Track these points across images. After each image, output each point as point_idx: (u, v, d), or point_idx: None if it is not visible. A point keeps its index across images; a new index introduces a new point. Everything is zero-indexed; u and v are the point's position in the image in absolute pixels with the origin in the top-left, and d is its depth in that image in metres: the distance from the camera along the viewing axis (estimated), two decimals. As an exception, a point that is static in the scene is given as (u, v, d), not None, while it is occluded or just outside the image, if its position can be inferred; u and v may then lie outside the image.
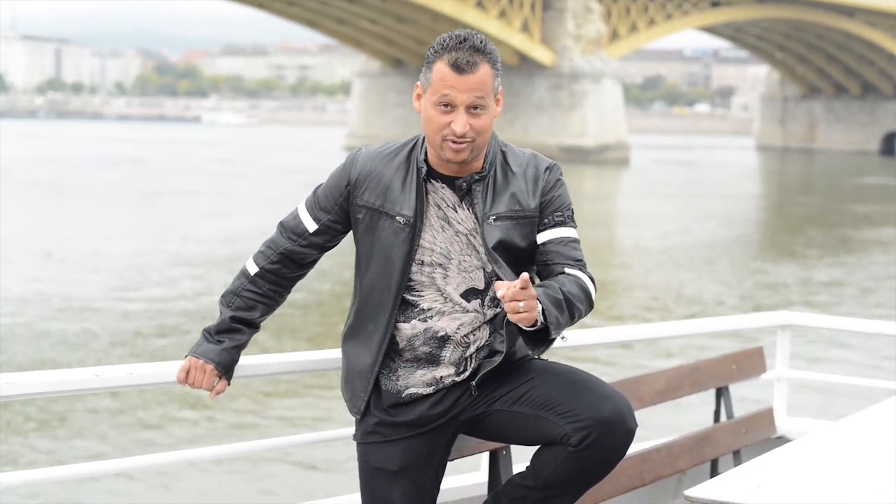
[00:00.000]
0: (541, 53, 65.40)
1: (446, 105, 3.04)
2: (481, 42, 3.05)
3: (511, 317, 2.87)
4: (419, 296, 3.15)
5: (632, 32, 72.09)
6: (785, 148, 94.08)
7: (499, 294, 2.86)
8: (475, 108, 3.04)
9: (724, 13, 76.70)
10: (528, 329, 2.95)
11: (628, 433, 3.04)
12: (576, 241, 3.18)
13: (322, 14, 66.42)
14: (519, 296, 2.84)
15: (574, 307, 3.00)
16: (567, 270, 3.11)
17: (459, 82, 3.02)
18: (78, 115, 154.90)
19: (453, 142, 3.05)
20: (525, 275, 2.83)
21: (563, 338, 3.06)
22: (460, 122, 3.03)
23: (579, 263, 3.13)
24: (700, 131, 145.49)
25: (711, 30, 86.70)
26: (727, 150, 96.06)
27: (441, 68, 3.04)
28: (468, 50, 3.03)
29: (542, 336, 2.99)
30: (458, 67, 3.02)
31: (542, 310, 2.91)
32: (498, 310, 3.16)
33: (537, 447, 3.14)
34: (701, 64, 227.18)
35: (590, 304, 3.09)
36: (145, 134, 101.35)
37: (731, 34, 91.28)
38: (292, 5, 65.42)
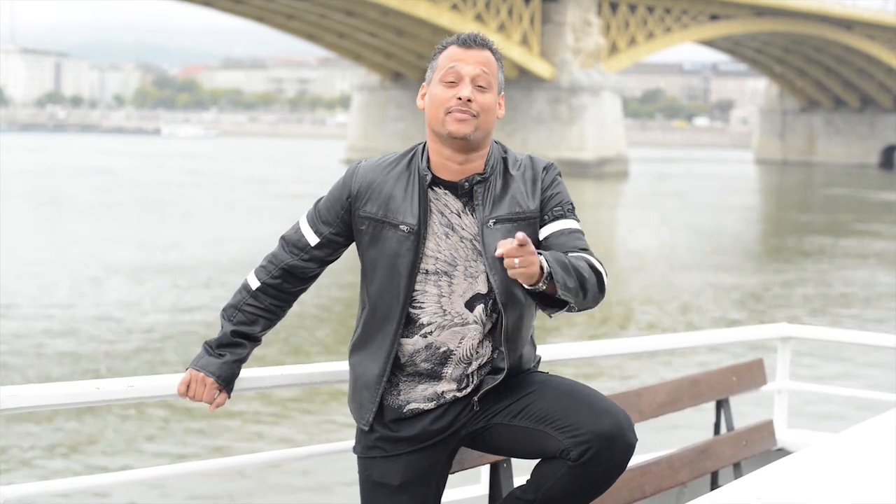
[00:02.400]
0: (540, 67, 65.48)
1: (452, 81, 3.10)
2: (484, 36, 3.18)
3: (510, 272, 2.87)
4: (420, 308, 3.14)
5: (631, 46, 72.18)
6: (784, 161, 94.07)
7: (497, 253, 2.86)
8: (480, 85, 3.11)
9: (723, 26, 76.80)
10: (532, 289, 2.94)
11: (628, 447, 3.04)
12: (578, 231, 3.17)
13: (322, 27, 66.53)
14: (515, 253, 2.84)
15: (583, 277, 2.98)
16: (571, 255, 3.09)
17: (466, 55, 3.12)
18: (40, 127, 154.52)
19: (458, 110, 3.08)
20: (521, 234, 2.82)
21: (573, 308, 3.03)
22: (466, 89, 3.09)
23: (584, 252, 3.12)
24: (699, 145, 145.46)
25: (710, 43, 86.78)
26: (726, 163, 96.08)
27: (448, 53, 3.14)
28: (473, 36, 3.16)
29: (552, 300, 2.98)
30: (464, 43, 3.13)
31: (549, 270, 2.91)
32: (497, 316, 3.15)
33: (538, 461, 3.15)
34: (700, 77, 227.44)
35: (601, 284, 3.06)
36: (110, 146, 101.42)
37: (730, 47, 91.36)
38: (292, 19, 65.54)
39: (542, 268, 2.90)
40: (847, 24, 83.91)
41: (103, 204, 37.77)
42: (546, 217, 3.16)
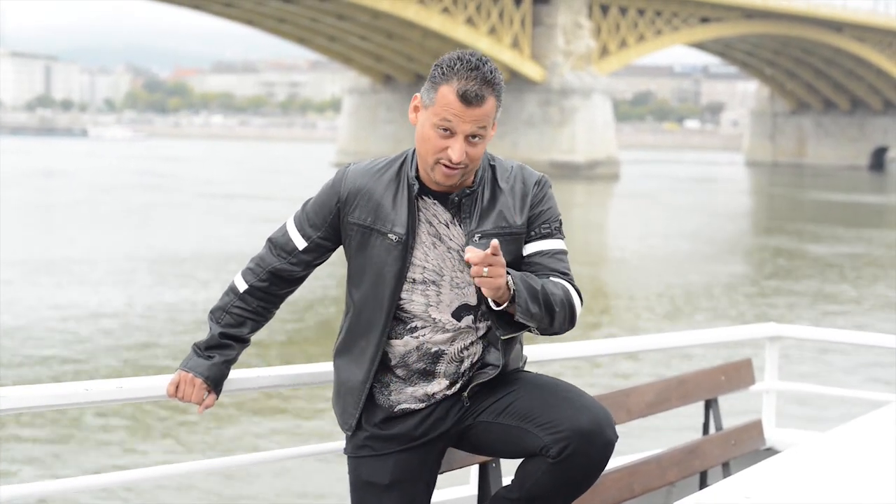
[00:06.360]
0: (531, 69, 65.53)
1: (446, 129, 3.02)
2: (491, 73, 3.03)
3: (476, 281, 2.88)
4: (408, 313, 3.14)
5: (621, 48, 72.27)
6: (775, 163, 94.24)
7: (466, 257, 2.86)
8: (474, 136, 3.03)
9: (714, 29, 76.95)
10: (496, 308, 2.96)
11: (607, 444, 3.03)
12: (563, 252, 3.17)
13: (313, 31, 66.55)
14: (486, 261, 2.85)
15: (552, 306, 3.00)
16: (552, 278, 3.10)
17: (464, 113, 2.99)
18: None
19: (447, 167, 3.03)
20: (495, 241, 2.84)
21: (534, 330, 3.04)
22: (457, 151, 3.01)
23: (565, 276, 3.12)
24: (690, 147, 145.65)
25: (701, 46, 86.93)
26: (717, 165, 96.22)
27: (448, 94, 3.00)
28: (478, 82, 3.00)
29: (511, 320, 3.00)
30: (465, 99, 2.99)
31: (514, 290, 2.92)
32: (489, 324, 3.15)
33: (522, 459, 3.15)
34: (690, 80, 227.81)
35: (572, 314, 3.07)
36: (44, 147, 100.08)
37: (721, 50, 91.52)
38: (283, 22, 65.55)
39: (509, 286, 2.92)
40: (837, 25, 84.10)
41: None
42: (533, 233, 3.15)
